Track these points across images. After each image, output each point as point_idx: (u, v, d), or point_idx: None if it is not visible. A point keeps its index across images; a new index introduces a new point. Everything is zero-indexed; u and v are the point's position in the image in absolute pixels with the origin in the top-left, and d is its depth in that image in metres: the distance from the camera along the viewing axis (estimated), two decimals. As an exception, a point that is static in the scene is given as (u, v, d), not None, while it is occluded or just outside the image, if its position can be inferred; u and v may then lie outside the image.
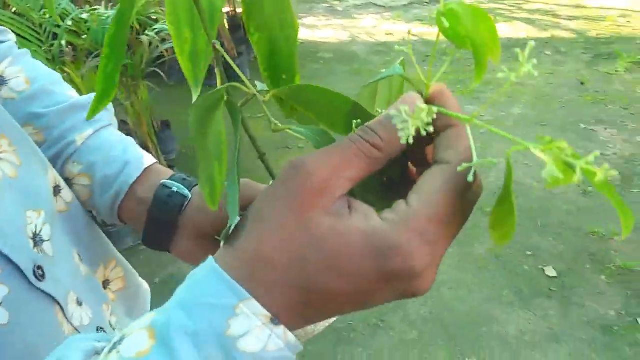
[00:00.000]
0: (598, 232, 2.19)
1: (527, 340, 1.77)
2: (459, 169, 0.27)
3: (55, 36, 2.18)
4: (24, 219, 0.42)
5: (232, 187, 0.30)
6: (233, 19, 3.93)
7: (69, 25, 2.19)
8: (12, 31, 0.59)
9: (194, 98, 0.28)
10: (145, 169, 0.53)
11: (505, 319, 1.84)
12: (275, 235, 0.27)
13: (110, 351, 0.27)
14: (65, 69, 2.07)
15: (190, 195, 0.50)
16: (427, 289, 0.28)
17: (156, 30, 2.34)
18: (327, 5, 5.49)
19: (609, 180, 0.23)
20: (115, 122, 0.60)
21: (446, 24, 0.26)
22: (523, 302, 1.91)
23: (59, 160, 0.54)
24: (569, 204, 2.35)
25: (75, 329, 0.44)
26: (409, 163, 0.33)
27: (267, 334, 0.26)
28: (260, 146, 0.33)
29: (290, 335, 0.27)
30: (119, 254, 0.59)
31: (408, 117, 0.25)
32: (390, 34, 4.37)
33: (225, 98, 0.28)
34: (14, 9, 2.18)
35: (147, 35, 2.28)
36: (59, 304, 0.43)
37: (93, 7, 2.32)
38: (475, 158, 0.26)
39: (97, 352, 0.29)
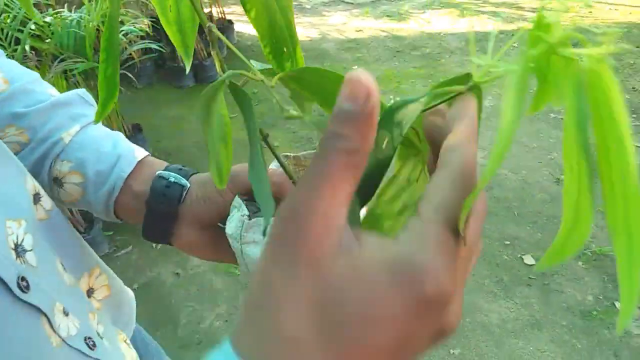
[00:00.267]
0: (573, 218, 2.23)
1: (509, 328, 1.79)
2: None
3: (18, 41, 2.12)
4: (4, 229, 0.40)
5: (257, 180, 0.27)
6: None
7: (32, 30, 2.13)
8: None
9: (187, 69, 0.29)
10: (139, 162, 0.52)
11: (488, 309, 1.86)
12: (291, 304, 0.22)
13: None
14: (31, 75, 2.00)
15: (188, 185, 0.49)
16: (457, 323, 0.25)
17: (123, 32, 2.29)
18: (295, 3, 5.48)
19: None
20: None
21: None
22: (504, 291, 1.93)
23: (46, 160, 0.52)
24: (543, 192, 2.39)
25: (63, 340, 0.42)
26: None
27: None
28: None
29: None
30: (101, 261, 0.57)
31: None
32: (360, 30, 4.38)
33: (228, 83, 0.27)
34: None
35: (115, 37, 2.23)
36: (45, 315, 0.41)
37: (56, 11, 2.26)
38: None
39: None
